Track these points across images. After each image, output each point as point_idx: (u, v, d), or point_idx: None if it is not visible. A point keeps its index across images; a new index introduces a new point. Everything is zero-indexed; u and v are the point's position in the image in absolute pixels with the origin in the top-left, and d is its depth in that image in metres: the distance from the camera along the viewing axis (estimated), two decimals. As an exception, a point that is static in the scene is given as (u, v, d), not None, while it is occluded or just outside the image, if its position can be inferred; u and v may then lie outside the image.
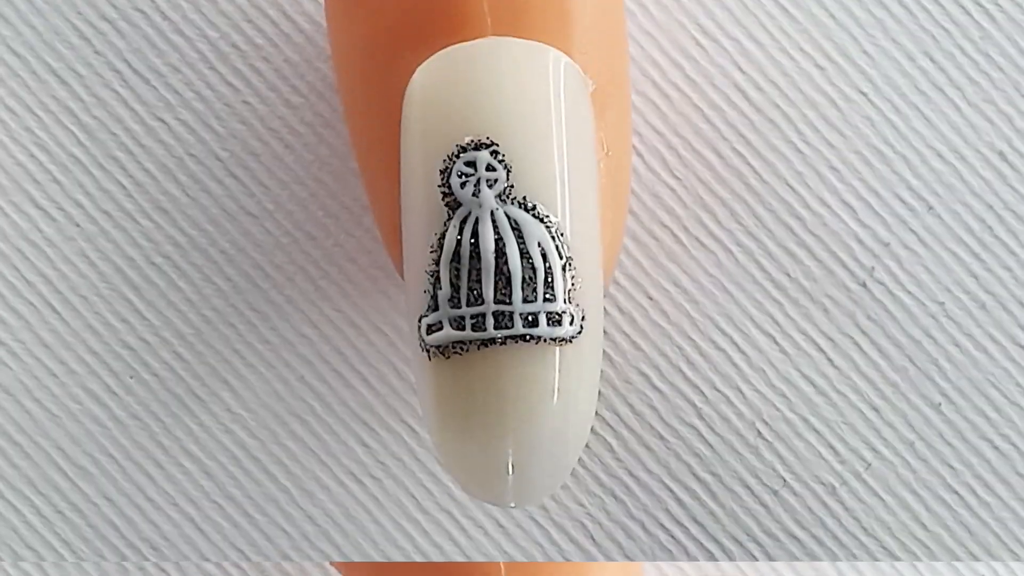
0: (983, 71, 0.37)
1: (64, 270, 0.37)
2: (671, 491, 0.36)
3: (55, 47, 0.37)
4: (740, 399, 0.36)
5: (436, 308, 0.29)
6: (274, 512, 0.37)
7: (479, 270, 0.29)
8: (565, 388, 0.29)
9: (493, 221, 0.29)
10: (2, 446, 0.37)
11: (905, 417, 0.36)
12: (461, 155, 0.29)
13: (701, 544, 0.36)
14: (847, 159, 0.37)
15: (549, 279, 0.29)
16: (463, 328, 0.29)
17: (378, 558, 0.36)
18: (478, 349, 0.29)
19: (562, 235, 0.29)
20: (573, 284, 0.29)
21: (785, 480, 0.36)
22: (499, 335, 0.29)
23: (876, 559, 0.36)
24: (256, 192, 0.37)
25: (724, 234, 0.37)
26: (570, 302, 0.29)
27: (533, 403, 0.29)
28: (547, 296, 0.29)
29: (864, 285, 0.36)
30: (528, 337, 0.29)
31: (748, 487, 0.36)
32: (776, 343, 0.36)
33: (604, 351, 0.36)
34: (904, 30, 0.37)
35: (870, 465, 0.36)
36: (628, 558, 0.36)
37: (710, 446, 0.36)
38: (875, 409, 0.36)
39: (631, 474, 0.36)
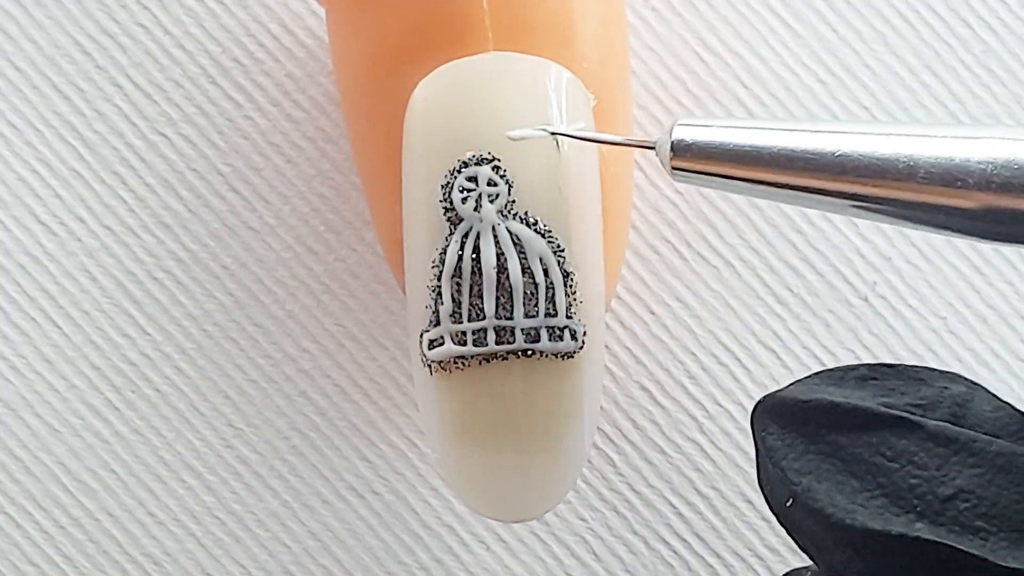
0: (985, 85, 0.37)
1: (66, 285, 0.37)
2: (673, 506, 0.36)
3: (57, 62, 0.37)
4: (742, 414, 0.36)
5: (438, 323, 0.29)
6: (276, 527, 0.37)
7: (481, 285, 0.29)
8: (566, 403, 0.29)
9: (494, 236, 0.29)
10: (4, 461, 0.37)
11: (907, 432, 0.36)
12: (462, 170, 0.29)
13: (703, 559, 0.36)
14: (849, 173, 0.37)
15: (551, 294, 0.29)
16: (465, 343, 0.29)
17: (380, 572, 0.36)
18: (480, 364, 0.29)
19: (563, 250, 0.29)
20: (575, 299, 0.29)
21: (787, 495, 0.36)
22: (501, 350, 0.29)
23: (879, 574, 0.36)
24: (258, 207, 0.37)
25: (726, 249, 0.37)
26: (572, 317, 0.29)
27: (535, 417, 0.29)
28: (548, 311, 0.29)
29: (866, 300, 0.36)
30: (530, 352, 0.29)
31: (750, 502, 0.36)
32: (778, 358, 0.36)
33: (606, 366, 0.36)
34: (906, 44, 0.37)
35: (872, 480, 0.36)
36: (630, 573, 0.36)
37: (712, 461, 0.36)
38: (877, 424, 0.36)
39: (633, 489, 0.36)
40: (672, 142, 0.27)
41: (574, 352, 0.29)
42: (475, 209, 0.29)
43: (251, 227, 0.37)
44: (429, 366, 0.30)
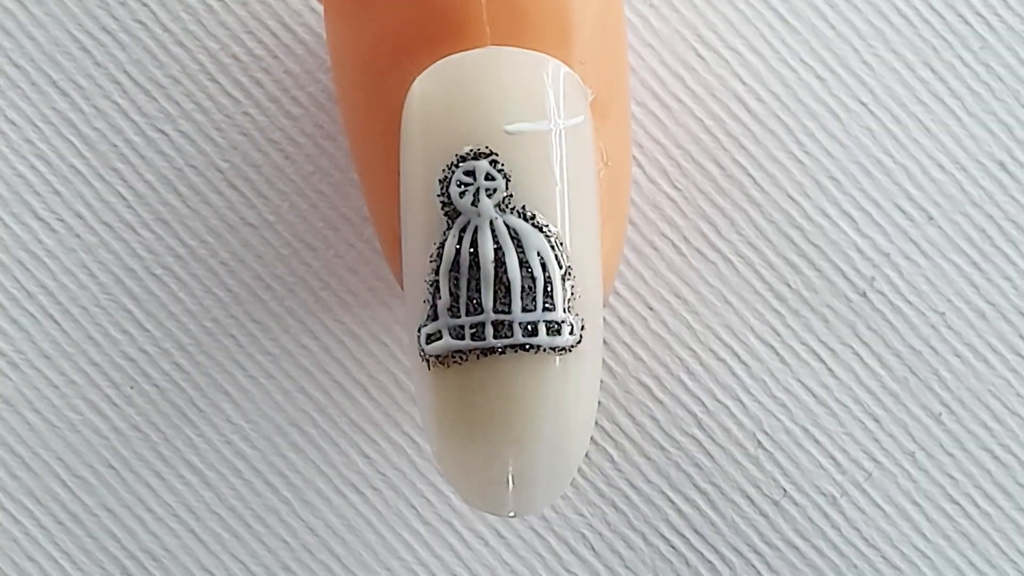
0: (983, 81, 0.37)
1: (65, 281, 0.37)
2: (671, 501, 0.36)
3: (56, 59, 0.37)
4: (741, 409, 0.36)
5: (435, 318, 0.29)
6: (274, 523, 0.37)
7: (478, 279, 0.29)
8: (564, 397, 0.29)
9: (492, 230, 0.29)
10: (3, 457, 0.37)
11: (905, 427, 0.36)
12: (460, 164, 0.29)
13: (701, 555, 0.36)
14: (847, 169, 0.37)
15: (548, 288, 0.29)
16: (462, 337, 0.29)
17: (379, 569, 0.36)
18: (477, 358, 0.29)
19: (561, 244, 0.29)
20: (572, 294, 0.29)
21: (786, 490, 0.36)
22: (498, 344, 0.29)
23: (877, 569, 0.36)
24: (256, 203, 0.37)
25: (724, 245, 0.37)
26: (569, 311, 0.29)
27: (533, 412, 0.29)
28: (546, 305, 0.29)
29: (864, 295, 0.36)
30: (527, 346, 0.29)
31: (749, 497, 0.36)
32: (776, 353, 0.36)
33: (604, 361, 0.36)
34: (904, 41, 0.37)
35: (871, 475, 0.36)
36: (629, 569, 0.36)
37: (711, 456, 0.36)
38: (875, 419, 0.36)
39: (631, 484, 0.36)
40: None
41: (572, 347, 0.29)
42: (473, 203, 0.29)
43: (249, 223, 0.37)
44: (427, 361, 0.30)
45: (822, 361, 0.36)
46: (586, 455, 0.35)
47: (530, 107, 0.29)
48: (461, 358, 0.29)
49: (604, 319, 0.34)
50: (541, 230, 0.29)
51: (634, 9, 0.37)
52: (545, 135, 0.29)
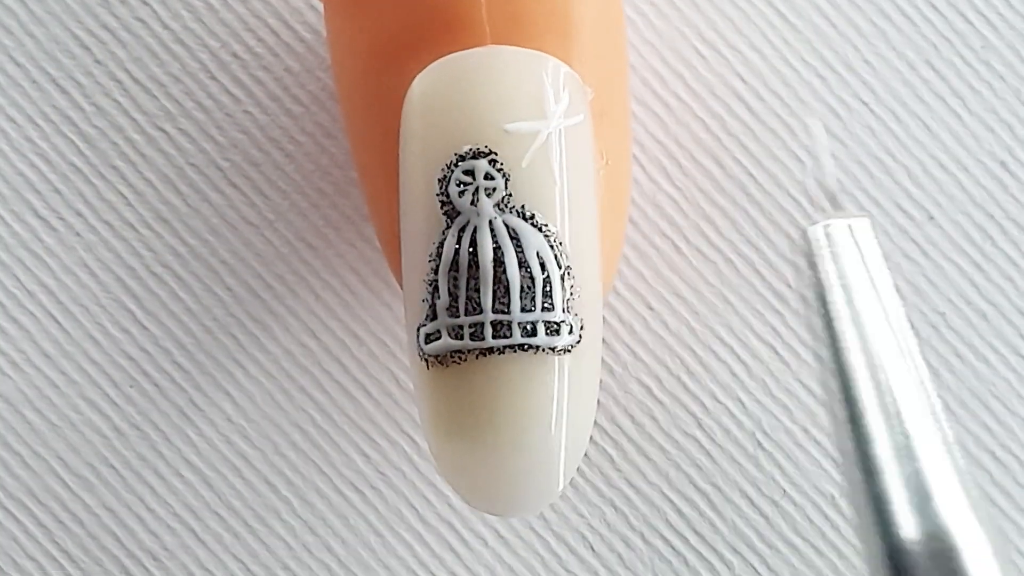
0: (984, 80, 0.37)
1: (65, 280, 0.37)
2: (671, 501, 0.36)
3: (56, 56, 0.37)
4: (740, 409, 0.36)
5: (434, 317, 0.29)
6: (274, 522, 0.37)
7: (477, 279, 0.29)
8: (563, 397, 0.29)
9: (491, 230, 0.29)
10: (2, 456, 0.37)
11: (906, 427, 0.36)
12: (459, 164, 0.29)
13: (701, 555, 0.36)
14: (848, 168, 0.37)
15: (548, 288, 0.29)
16: (461, 337, 0.29)
17: (378, 568, 0.36)
18: (476, 358, 0.29)
19: (561, 244, 0.29)
20: (572, 293, 0.29)
21: (785, 491, 0.36)
22: (497, 344, 0.29)
23: (877, 570, 0.36)
24: (257, 202, 0.37)
25: (725, 244, 0.37)
26: (569, 311, 0.29)
27: (531, 412, 0.29)
28: (546, 305, 0.29)
29: (865, 295, 0.36)
30: (527, 347, 0.29)
31: (748, 498, 0.36)
32: (776, 353, 0.36)
33: (604, 361, 0.36)
34: (905, 39, 0.37)
35: (871, 475, 0.36)
36: (628, 569, 0.36)
37: (710, 456, 0.36)
38: (876, 419, 0.36)
39: (631, 484, 0.36)
40: None
41: (571, 347, 0.29)
42: (472, 203, 0.29)
43: (250, 222, 0.37)
44: (426, 360, 0.29)
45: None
46: (585, 455, 0.35)
47: (530, 106, 0.29)
48: (460, 358, 0.29)
49: (604, 319, 0.34)
50: (540, 230, 0.29)
51: (634, 7, 0.37)
52: (544, 133, 0.29)
